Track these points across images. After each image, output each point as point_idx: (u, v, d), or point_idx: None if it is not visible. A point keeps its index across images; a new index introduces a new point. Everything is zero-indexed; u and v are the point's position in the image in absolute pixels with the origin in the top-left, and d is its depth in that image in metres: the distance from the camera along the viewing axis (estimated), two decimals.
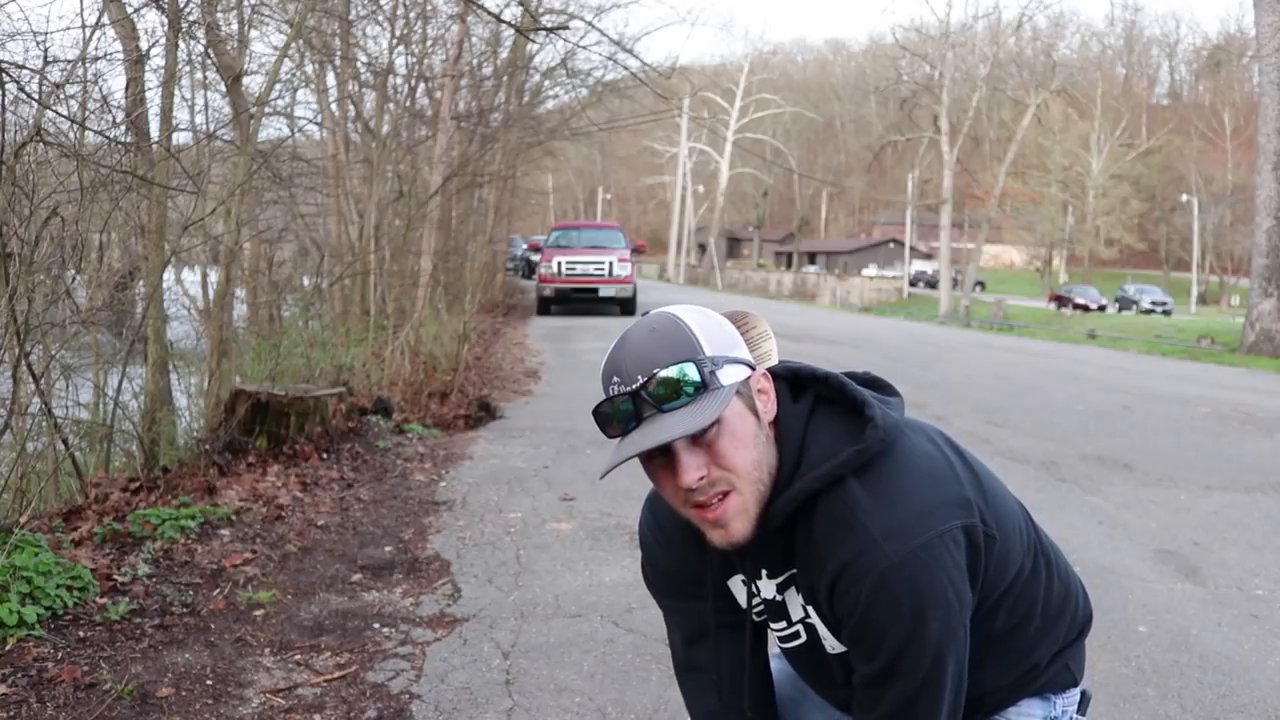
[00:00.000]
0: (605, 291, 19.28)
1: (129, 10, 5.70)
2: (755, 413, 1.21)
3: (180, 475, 4.88)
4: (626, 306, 19.59)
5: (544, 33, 11.87)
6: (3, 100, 3.72)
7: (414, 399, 8.03)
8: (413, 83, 13.19)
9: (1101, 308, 40.09)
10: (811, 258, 73.45)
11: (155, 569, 3.82)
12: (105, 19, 5.43)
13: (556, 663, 3.21)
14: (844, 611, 1.20)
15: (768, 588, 1.31)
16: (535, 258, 25.01)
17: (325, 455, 5.84)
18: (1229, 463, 6.41)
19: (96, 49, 5.29)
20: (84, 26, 4.91)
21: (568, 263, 19.26)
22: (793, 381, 1.29)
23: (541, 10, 13.77)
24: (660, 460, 1.19)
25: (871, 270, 60.74)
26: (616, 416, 1.17)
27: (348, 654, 3.26)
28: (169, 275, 6.95)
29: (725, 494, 1.19)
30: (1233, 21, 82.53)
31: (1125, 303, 43.79)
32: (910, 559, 1.14)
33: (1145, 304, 41.88)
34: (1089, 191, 56.19)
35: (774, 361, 1.29)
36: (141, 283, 6.90)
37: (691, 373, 1.15)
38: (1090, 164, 56.00)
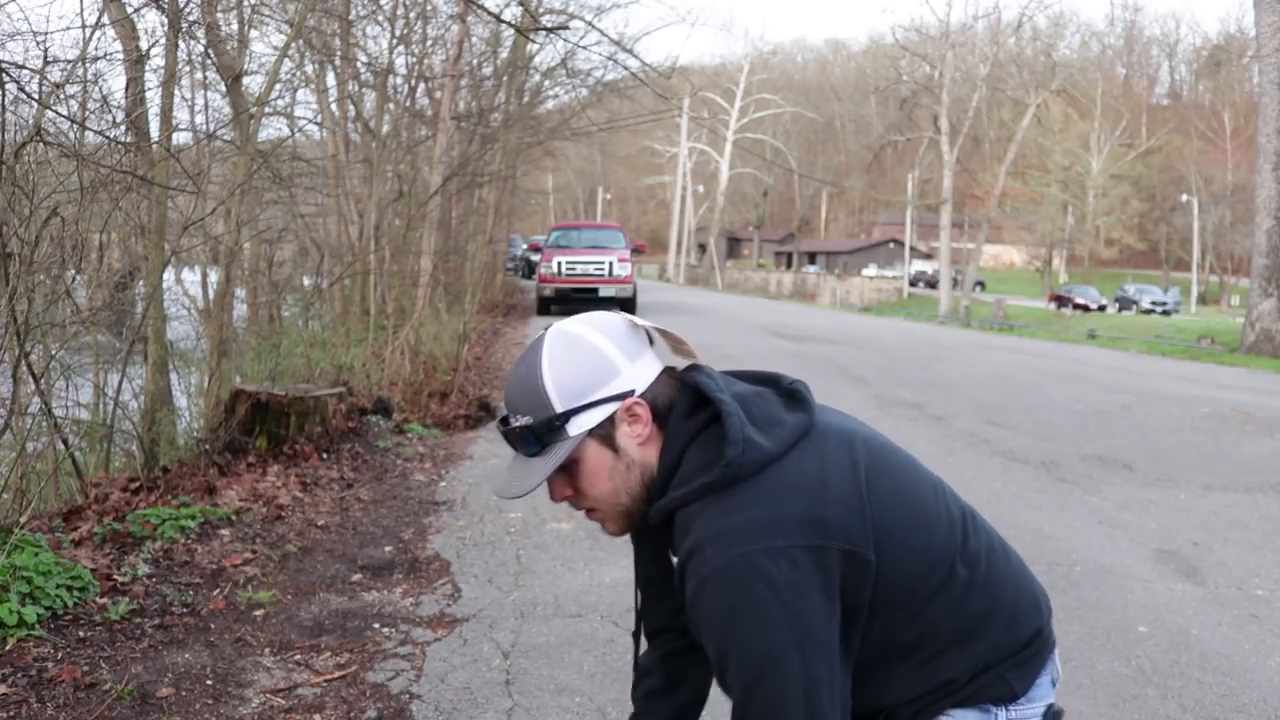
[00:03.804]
0: (605, 291, 19.27)
1: (129, 10, 5.70)
2: (615, 446, 1.30)
3: (180, 475, 4.88)
4: (627, 306, 19.56)
5: (544, 33, 11.88)
6: (3, 100, 3.72)
7: (414, 399, 8.03)
8: (413, 83, 13.20)
9: (1101, 308, 40.10)
10: (811, 258, 73.46)
11: (155, 569, 3.82)
12: (105, 19, 5.43)
13: (556, 663, 3.21)
14: (687, 605, 1.26)
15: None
16: (535, 258, 25.01)
17: (325, 455, 5.84)
18: (1229, 463, 6.41)
19: (96, 49, 5.29)
20: (84, 26, 4.91)
21: (568, 263, 19.25)
22: (697, 395, 1.34)
23: (541, 10, 13.77)
24: None
25: (871, 270, 60.74)
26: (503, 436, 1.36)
27: (348, 654, 3.26)
28: (169, 275, 6.95)
29: (590, 510, 1.37)
30: (1233, 21, 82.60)
31: (1125, 303, 43.79)
32: (728, 567, 1.19)
33: (1145, 304, 41.86)
34: (1089, 191, 56.19)
35: (697, 358, 1.40)
36: (141, 283, 6.90)
37: (533, 433, 1.30)
38: (1090, 164, 56.00)
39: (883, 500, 1.26)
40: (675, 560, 1.30)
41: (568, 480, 1.34)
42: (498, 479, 1.34)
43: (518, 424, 1.31)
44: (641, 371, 1.32)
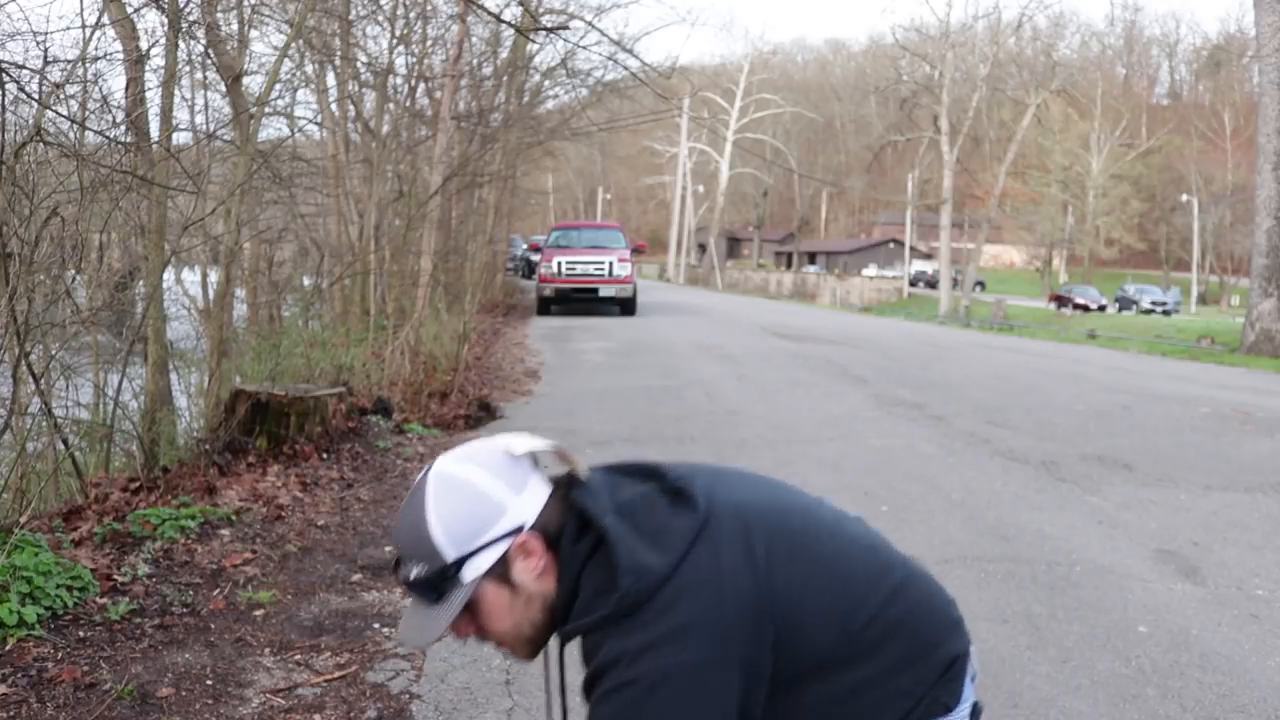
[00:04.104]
0: (605, 291, 19.26)
1: (129, 10, 5.70)
2: (511, 583, 1.31)
3: (180, 475, 4.88)
4: (626, 306, 19.58)
5: (544, 33, 11.89)
6: (3, 100, 3.72)
7: (414, 399, 8.03)
8: (413, 83, 13.21)
9: (1101, 308, 40.10)
10: (811, 258, 73.46)
11: (155, 569, 3.82)
12: (105, 19, 5.44)
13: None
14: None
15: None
16: (535, 258, 25.01)
17: (325, 455, 5.84)
18: (1229, 463, 6.41)
19: (96, 49, 5.29)
20: (84, 26, 4.92)
21: (568, 263, 19.25)
22: (582, 519, 1.33)
23: (541, 10, 13.77)
24: None
25: (871, 270, 60.73)
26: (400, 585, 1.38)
27: (348, 654, 3.26)
28: (169, 275, 6.95)
29: (497, 643, 1.38)
30: (1233, 21, 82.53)
31: (1125, 303, 43.80)
32: (623, 690, 1.21)
33: (1145, 304, 41.86)
34: (1089, 191, 56.21)
35: (580, 475, 1.37)
36: (141, 283, 6.91)
37: (429, 587, 1.30)
38: (1090, 164, 56.01)
39: (788, 583, 1.27)
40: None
41: (470, 619, 1.34)
42: (400, 627, 1.47)
43: (414, 575, 1.30)
44: (529, 502, 1.32)
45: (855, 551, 1.36)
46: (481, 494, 1.30)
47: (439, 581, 1.28)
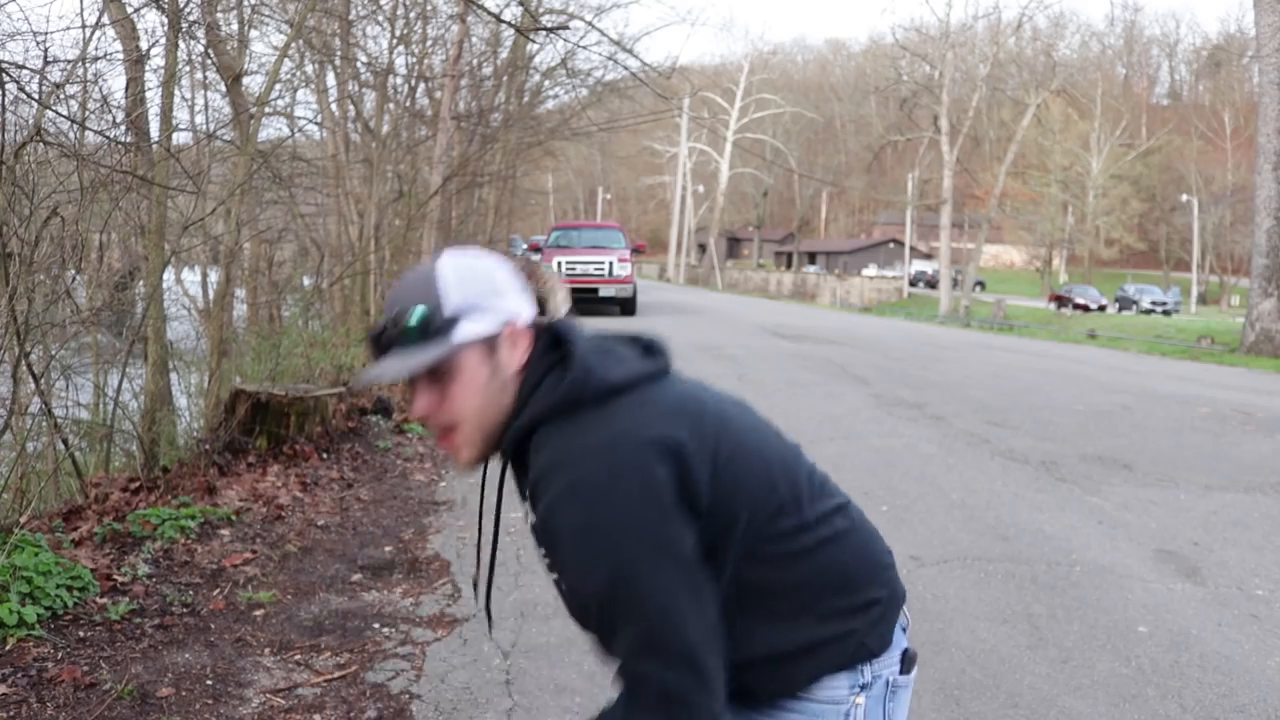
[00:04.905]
0: (605, 291, 19.26)
1: (129, 10, 5.70)
2: (494, 362, 1.30)
3: (180, 475, 4.88)
4: (626, 306, 19.58)
5: (544, 33, 11.89)
6: (3, 100, 3.72)
7: None
8: (413, 83, 13.20)
9: (1101, 308, 40.09)
10: (811, 258, 73.45)
11: (155, 569, 3.82)
12: (105, 19, 5.44)
13: (556, 663, 3.21)
14: (537, 529, 1.28)
15: (527, 513, 1.37)
16: (535, 258, 25.00)
17: (325, 455, 5.84)
18: (1229, 463, 6.41)
19: (96, 49, 5.29)
20: (84, 26, 4.91)
21: (568, 263, 19.25)
22: (555, 336, 1.37)
23: (541, 10, 13.77)
24: (414, 394, 1.33)
25: (871, 270, 60.72)
26: (374, 343, 1.31)
27: (348, 654, 3.26)
28: (169, 275, 6.95)
29: (450, 429, 1.32)
30: (1233, 21, 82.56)
31: (1125, 303, 43.80)
32: (575, 484, 1.20)
33: (1145, 304, 41.85)
34: (1089, 191, 56.19)
35: (560, 313, 1.41)
36: (141, 283, 6.91)
37: (417, 325, 1.26)
38: (1090, 164, 56.00)
39: (725, 443, 1.29)
40: (526, 496, 1.31)
41: (437, 391, 1.30)
42: (367, 369, 1.32)
43: (407, 316, 1.27)
44: (525, 305, 1.35)
45: (801, 467, 1.38)
46: (491, 273, 1.33)
47: (431, 325, 1.27)
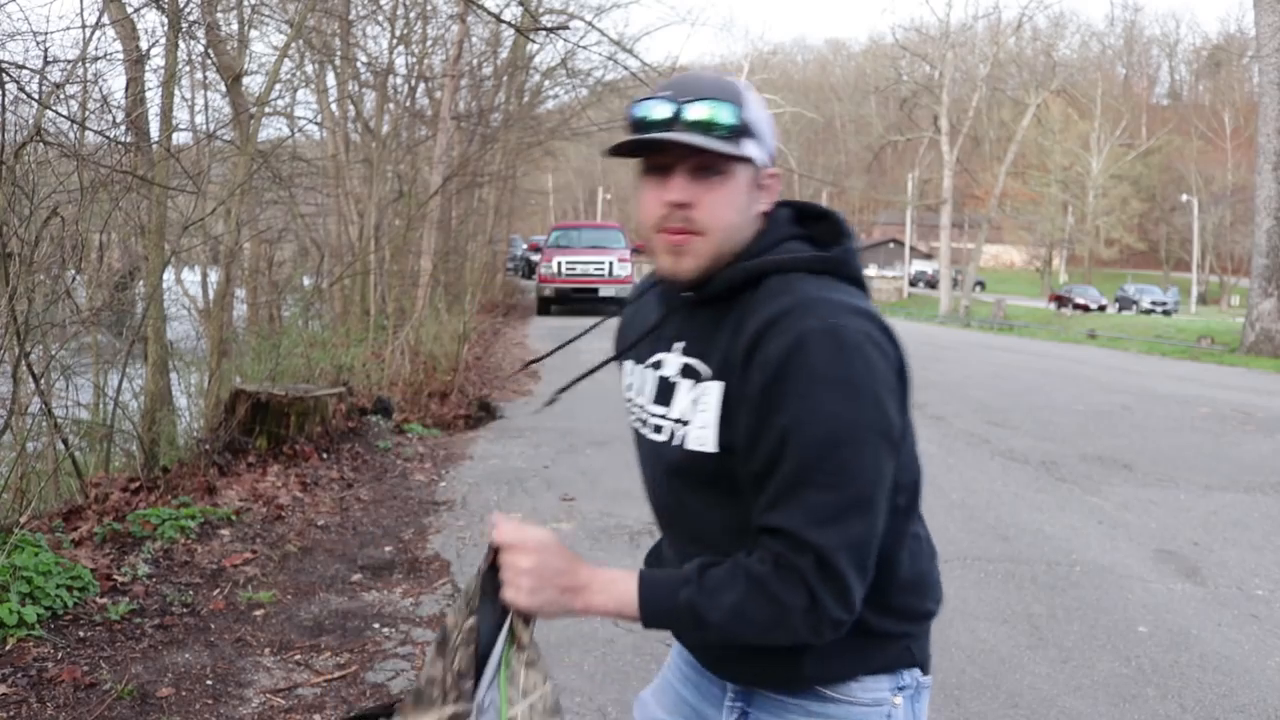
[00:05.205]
0: (605, 291, 19.26)
1: (129, 10, 5.71)
2: (754, 186, 1.26)
3: (180, 475, 4.88)
4: None
5: (544, 33, 11.88)
6: (3, 100, 3.73)
7: (414, 399, 8.03)
8: (413, 83, 13.21)
9: (1101, 308, 40.08)
10: None
11: (155, 569, 3.82)
12: (105, 19, 5.44)
13: (556, 663, 3.21)
14: (754, 375, 1.16)
15: (673, 363, 1.29)
16: (535, 258, 25.03)
17: (325, 455, 5.84)
18: (1229, 463, 6.41)
19: (96, 49, 5.30)
20: (84, 26, 4.92)
21: (568, 263, 19.25)
22: (800, 211, 1.34)
23: (541, 10, 13.76)
24: (656, 174, 1.24)
25: (871, 270, 60.54)
26: (648, 119, 1.23)
27: (348, 654, 3.26)
28: (169, 275, 6.95)
29: (692, 233, 1.23)
30: (1233, 21, 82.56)
31: (1125, 303, 43.79)
32: (835, 330, 1.13)
33: (1145, 304, 41.85)
34: (1089, 191, 56.18)
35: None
36: (141, 283, 6.91)
37: (728, 117, 1.20)
38: (1090, 164, 55.98)
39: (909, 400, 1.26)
40: (746, 327, 1.19)
41: (698, 186, 1.22)
42: (651, 134, 1.23)
43: (710, 104, 1.20)
44: (772, 155, 1.31)
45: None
46: (772, 121, 1.30)
47: (735, 124, 1.21)
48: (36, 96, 4.09)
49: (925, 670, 1.32)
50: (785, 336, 1.14)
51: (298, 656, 3.22)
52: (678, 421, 1.26)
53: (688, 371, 1.26)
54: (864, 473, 1.12)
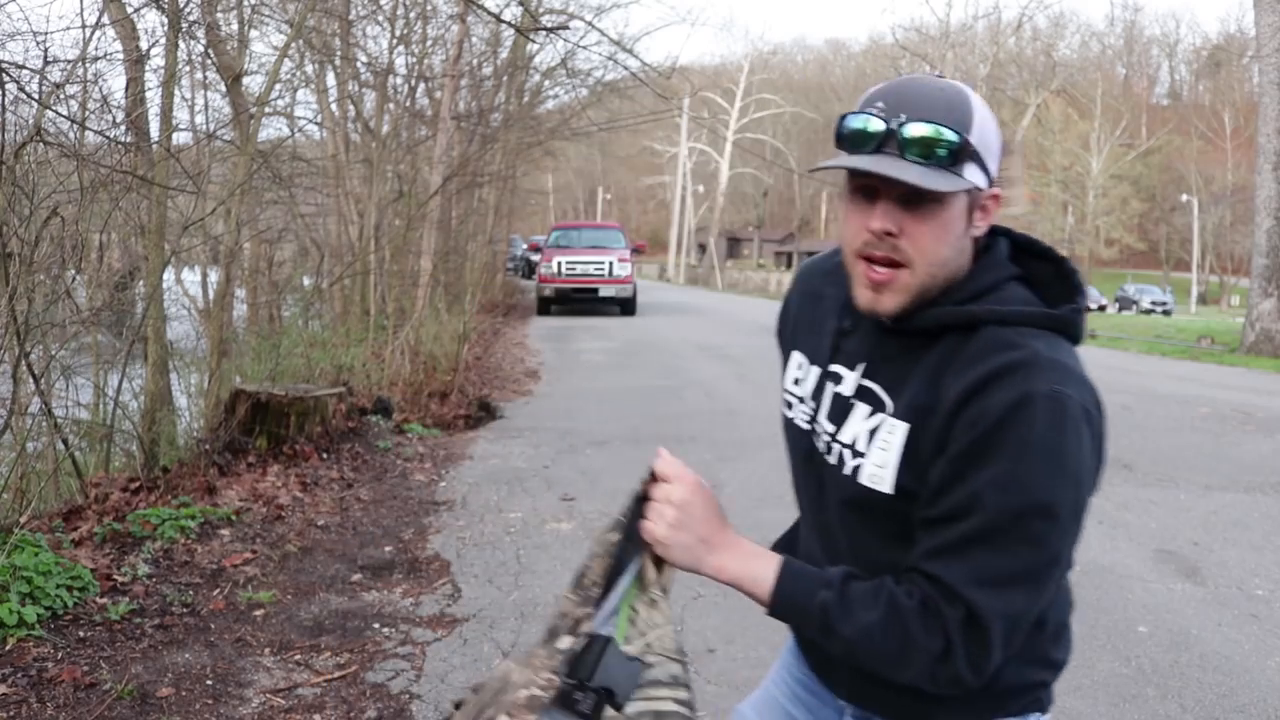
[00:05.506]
0: (605, 291, 19.27)
1: (129, 10, 5.71)
2: (968, 215, 1.17)
3: (180, 475, 4.88)
4: (626, 306, 19.59)
5: (544, 33, 11.88)
6: (3, 100, 3.73)
7: (414, 399, 8.03)
8: (413, 83, 13.20)
9: (1102, 308, 40.07)
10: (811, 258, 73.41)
11: (155, 569, 3.82)
12: (105, 19, 5.44)
13: None
14: (962, 426, 1.10)
15: (851, 382, 1.23)
16: (535, 258, 25.03)
17: (325, 455, 5.84)
18: (1229, 463, 6.41)
19: (96, 49, 5.30)
20: (84, 26, 4.92)
21: (568, 263, 19.25)
22: (1016, 244, 1.26)
23: (541, 10, 13.77)
24: (863, 195, 1.16)
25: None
26: (860, 134, 1.15)
27: (348, 654, 3.26)
28: (169, 275, 6.95)
29: (897, 265, 1.15)
30: (1233, 21, 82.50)
31: (1125, 303, 43.80)
32: (1063, 399, 1.07)
33: (1145, 304, 41.85)
34: (1089, 191, 56.20)
35: (1016, 209, 1.26)
36: (141, 283, 6.91)
37: (950, 140, 1.12)
38: (1090, 164, 55.99)
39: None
40: (962, 376, 1.12)
41: (907, 215, 1.13)
42: (852, 161, 1.14)
43: (933, 126, 1.11)
44: (996, 171, 1.20)
45: None
46: (998, 131, 1.19)
47: (956, 150, 1.11)
48: (36, 96, 4.10)
49: (1045, 712, 1.30)
50: (1009, 393, 1.08)
51: (298, 656, 3.23)
52: (849, 448, 1.21)
53: (866, 395, 1.21)
54: (1046, 549, 1.09)
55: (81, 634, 3.22)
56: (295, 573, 4.05)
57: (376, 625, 3.51)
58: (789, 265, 69.97)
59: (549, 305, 19.53)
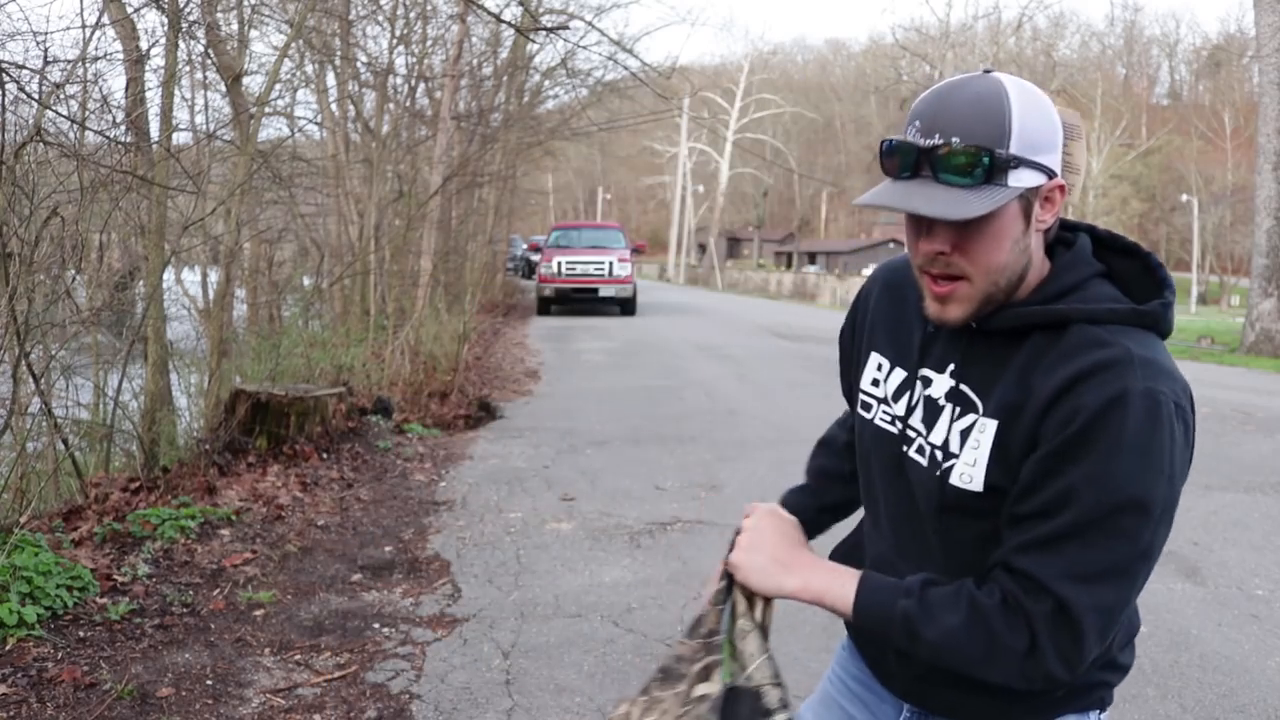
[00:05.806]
0: (605, 291, 19.28)
1: (129, 10, 5.70)
2: (1028, 217, 1.16)
3: (180, 475, 4.88)
4: (626, 306, 19.60)
5: (544, 33, 11.88)
6: (3, 100, 3.73)
7: (414, 399, 8.03)
8: (413, 83, 13.20)
9: None
10: (811, 258, 73.46)
11: (155, 569, 3.82)
12: (105, 19, 5.44)
13: (556, 663, 3.22)
14: (1055, 423, 1.10)
15: (942, 385, 1.23)
16: (535, 258, 25.03)
17: (325, 455, 5.84)
18: (1229, 463, 6.41)
19: (96, 49, 5.29)
20: (84, 26, 4.91)
21: (568, 263, 19.26)
22: (1097, 240, 1.26)
23: (541, 10, 13.77)
24: (917, 218, 1.18)
25: (871, 270, 60.59)
26: (898, 158, 1.16)
27: (348, 654, 3.26)
28: (169, 275, 6.95)
29: (956, 279, 1.16)
30: (1233, 21, 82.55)
31: None
32: (1157, 397, 1.08)
33: None
34: (1089, 191, 56.22)
35: (1076, 180, 1.22)
36: (141, 283, 6.91)
37: (983, 162, 1.11)
38: (1090, 164, 56.02)
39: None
40: (1053, 373, 1.12)
41: (958, 233, 1.13)
42: (886, 194, 1.18)
43: (964, 145, 1.10)
44: (1058, 160, 1.17)
45: None
46: (1054, 120, 1.16)
47: (992, 164, 1.10)
48: (36, 96, 4.09)
49: (1104, 710, 1.34)
50: (1105, 390, 1.08)
51: (298, 656, 3.23)
52: (940, 449, 1.21)
53: (957, 397, 1.21)
54: (1138, 544, 1.09)
55: (81, 634, 3.22)
56: (295, 573, 4.05)
57: (376, 625, 3.52)
58: (789, 265, 69.96)
59: (549, 305, 19.53)
